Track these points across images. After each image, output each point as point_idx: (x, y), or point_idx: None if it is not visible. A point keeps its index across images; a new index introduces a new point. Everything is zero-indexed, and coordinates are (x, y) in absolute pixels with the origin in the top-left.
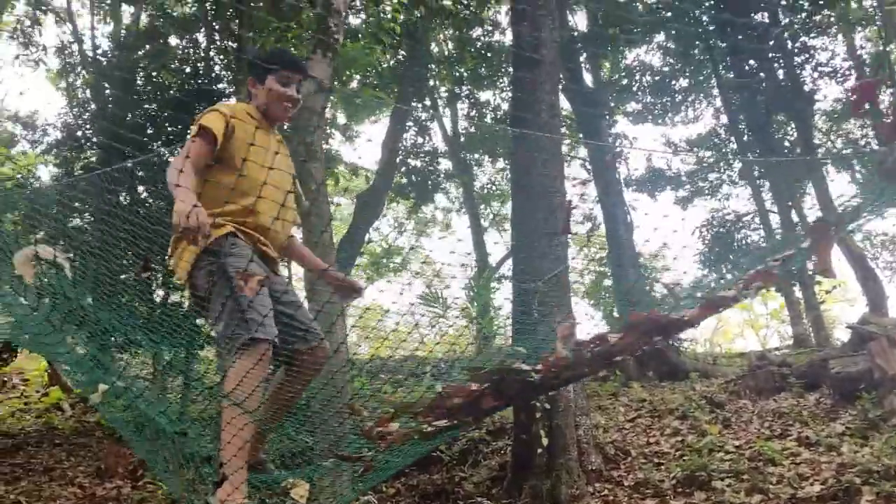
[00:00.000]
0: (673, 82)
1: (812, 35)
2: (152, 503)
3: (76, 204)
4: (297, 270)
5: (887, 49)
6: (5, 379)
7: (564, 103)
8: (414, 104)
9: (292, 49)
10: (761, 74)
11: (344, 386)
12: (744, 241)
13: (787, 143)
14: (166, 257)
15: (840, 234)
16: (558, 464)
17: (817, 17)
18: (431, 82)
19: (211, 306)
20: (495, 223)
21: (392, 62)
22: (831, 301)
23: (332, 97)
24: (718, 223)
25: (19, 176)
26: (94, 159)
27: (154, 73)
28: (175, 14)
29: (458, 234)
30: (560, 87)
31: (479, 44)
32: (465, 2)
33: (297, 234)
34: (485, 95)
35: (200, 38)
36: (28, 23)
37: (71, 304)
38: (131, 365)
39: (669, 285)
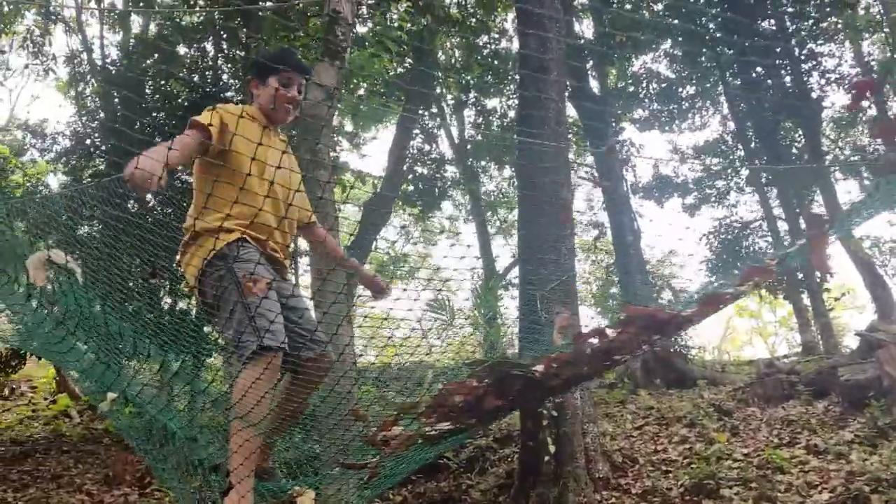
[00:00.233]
0: (680, 89)
1: (819, 42)
2: None
3: (84, 211)
4: (304, 279)
5: (895, 56)
6: (14, 386)
7: (571, 111)
8: (421, 112)
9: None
10: (768, 81)
11: (350, 392)
12: (751, 248)
13: (794, 150)
14: (174, 263)
15: (836, 231)
16: (566, 471)
17: (824, 24)
18: (438, 90)
19: (220, 313)
20: (502, 230)
21: (399, 70)
22: (840, 308)
23: (339, 105)
24: (726, 230)
25: (29, 184)
26: (102, 167)
27: (162, 82)
28: (183, 23)
29: (466, 240)
30: (567, 94)
31: (486, 51)
32: (472, 10)
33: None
34: (491, 103)
35: (208, 46)
36: (38, 32)
37: (82, 311)
38: (140, 372)
39: (676, 291)
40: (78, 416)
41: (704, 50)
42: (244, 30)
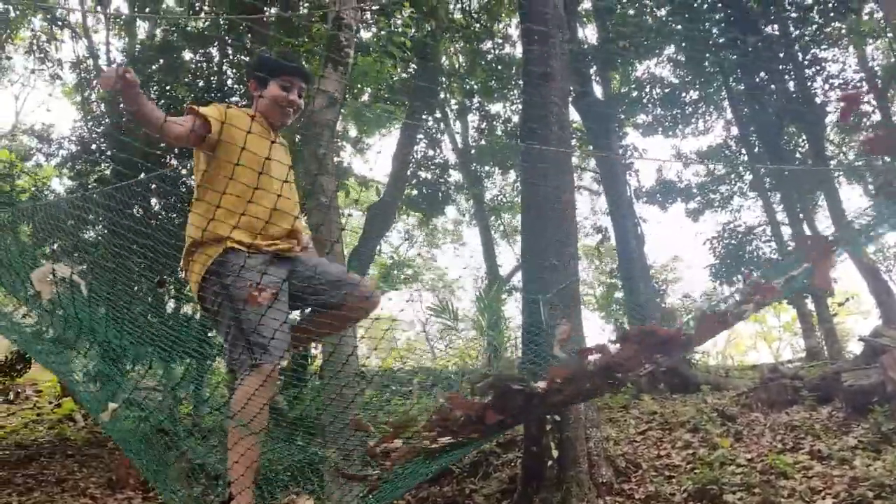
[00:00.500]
0: (683, 94)
1: (823, 47)
2: None
3: (90, 217)
4: None
5: None
6: (19, 390)
7: (574, 115)
8: (424, 117)
9: (303, 62)
10: (772, 86)
11: (353, 399)
12: (755, 254)
13: (798, 155)
14: (178, 268)
15: (840, 252)
16: (569, 476)
17: (828, 29)
18: (442, 95)
19: (220, 326)
20: (506, 235)
21: (403, 75)
22: (844, 314)
23: (343, 110)
24: (729, 235)
25: (34, 188)
26: (108, 172)
27: (168, 87)
28: (189, 29)
29: (469, 245)
30: (570, 99)
31: (490, 57)
32: (476, 15)
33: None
34: (495, 108)
35: (214, 52)
36: (44, 38)
37: (82, 326)
38: (145, 377)
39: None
40: (82, 419)
41: (708, 55)
42: (249, 35)
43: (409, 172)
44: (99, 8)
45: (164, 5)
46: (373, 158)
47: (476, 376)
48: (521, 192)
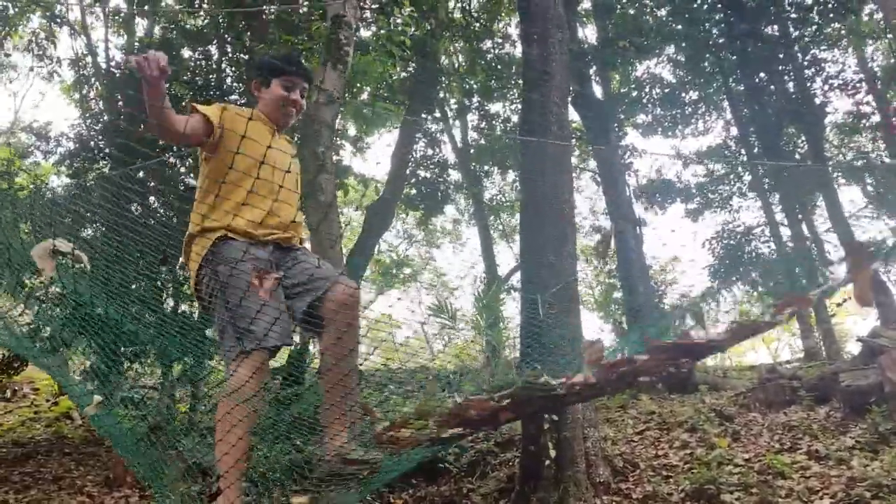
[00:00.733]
0: (683, 94)
1: (822, 48)
2: None
3: (87, 213)
4: None
5: None
6: (16, 388)
7: (574, 115)
8: (424, 116)
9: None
10: (771, 87)
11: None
12: (753, 254)
13: (797, 156)
14: (179, 262)
15: (881, 259)
16: (566, 476)
17: (828, 30)
18: (442, 94)
19: (214, 317)
20: (505, 234)
21: (402, 74)
22: (842, 314)
23: (342, 109)
24: (728, 235)
25: (33, 186)
26: (106, 170)
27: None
28: (188, 26)
29: (468, 244)
30: (570, 99)
31: (490, 56)
32: (476, 14)
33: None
34: (495, 107)
35: (213, 49)
36: (43, 35)
37: (85, 310)
38: (143, 375)
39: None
40: (79, 417)
41: (707, 55)
42: (248, 33)
43: (408, 171)
44: (98, 5)
45: (162, 3)
46: (372, 157)
47: (497, 388)
48: (520, 189)
